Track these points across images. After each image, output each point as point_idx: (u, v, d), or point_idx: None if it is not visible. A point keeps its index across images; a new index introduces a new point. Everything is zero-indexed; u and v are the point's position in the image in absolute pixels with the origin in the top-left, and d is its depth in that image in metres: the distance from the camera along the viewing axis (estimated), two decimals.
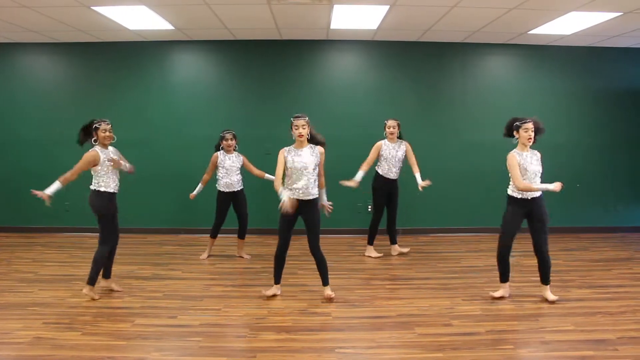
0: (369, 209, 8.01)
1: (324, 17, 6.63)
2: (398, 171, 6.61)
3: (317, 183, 4.92)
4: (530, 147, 4.86)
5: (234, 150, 6.43)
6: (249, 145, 7.50)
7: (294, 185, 4.82)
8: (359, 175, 6.35)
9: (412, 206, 8.04)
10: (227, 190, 6.37)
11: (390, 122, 6.54)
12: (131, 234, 7.94)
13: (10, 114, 8.06)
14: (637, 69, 8.20)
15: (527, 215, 4.89)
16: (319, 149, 4.92)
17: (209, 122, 7.91)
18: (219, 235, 6.55)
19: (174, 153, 8.01)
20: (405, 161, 6.63)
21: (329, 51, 8.09)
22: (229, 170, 6.33)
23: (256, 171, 6.46)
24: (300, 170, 4.78)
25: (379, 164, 6.59)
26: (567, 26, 6.80)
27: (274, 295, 5.10)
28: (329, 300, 4.97)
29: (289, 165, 4.82)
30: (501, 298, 5.02)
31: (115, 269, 6.06)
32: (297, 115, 4.86)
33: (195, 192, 6.40)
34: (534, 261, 4.97)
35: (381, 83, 8.11)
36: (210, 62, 8.16)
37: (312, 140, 4.91)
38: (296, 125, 4.81)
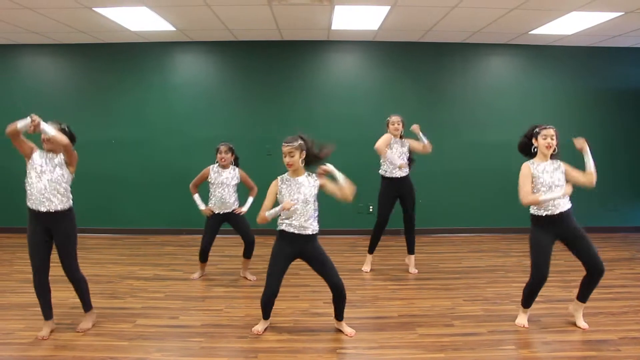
0: (370, 209, 8.02)
1: (325, 18, 6.63)
2: (396, 169, 6.03)
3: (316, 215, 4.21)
4: (552, 158, 4.42)
5: (231, 164, 5.68)
6: (249, 146, 7.53)
7: (290, 221, 4.14)
8: (397, 161, 5.98)
9: None
10: (219, 211, 5.63)
11: (394, 118, 6.05)
12: (132, 235, 7.97)
13: (12, 114, 7.97)
14: (638, 69, 8.19)
15: (560, 236, 4.36)
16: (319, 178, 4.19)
17: (210, 123, 7.92)
18: (218, 236, 5.96)
19: (175, 154, 8.01)
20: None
21: (330, 52, 8.10)
22: (223, 187, 5.59)
23: (251, 188, 5.76)
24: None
25: (381, 164, 6.17)
26: (568, 26, 6.80)
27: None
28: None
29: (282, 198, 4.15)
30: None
31: (117, 269, 6.11)
32: (285, 140, 4.15)
33: (202, 205, 5.67)
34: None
35: (382, 84, 8.12)
36: (211, 63, 8.17)
37: (312, 160, 4.21)
38: (284, 153, 4.12)
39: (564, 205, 4.27)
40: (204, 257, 5.72)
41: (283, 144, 4.11)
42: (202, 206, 5.65)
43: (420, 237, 7.95)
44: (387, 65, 8.12)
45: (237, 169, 5.69)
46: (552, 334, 4.17)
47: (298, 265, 6.21)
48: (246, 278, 5.85)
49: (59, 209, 4.18)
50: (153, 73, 8.07)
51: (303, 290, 5.41)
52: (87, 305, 4.39)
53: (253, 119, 7.99)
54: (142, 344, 4.03)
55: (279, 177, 4.20)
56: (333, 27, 7.13)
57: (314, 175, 4.18)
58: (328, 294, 5.20)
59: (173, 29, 7.10)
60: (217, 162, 5.62)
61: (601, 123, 8.19)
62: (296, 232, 4.10)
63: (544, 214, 4.26)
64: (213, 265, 6.30)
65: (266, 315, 4.32)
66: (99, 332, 4.23)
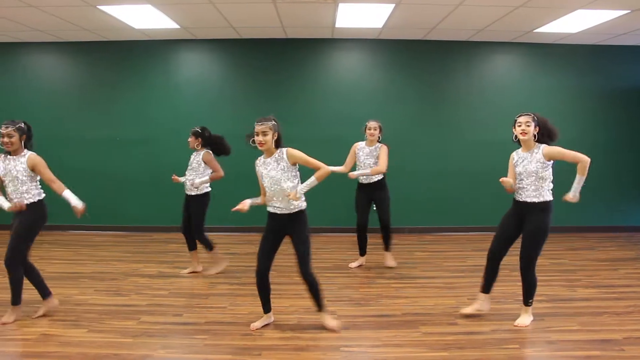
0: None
1: (329, 16, 6.63)
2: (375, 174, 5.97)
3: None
4: (541, 142, 4.29)
5: (203, 148, 5.77)
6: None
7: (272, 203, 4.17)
8: (333, 167, 5.69)
9: (417, 205, 8.04)
10: (186, 192, 5.82)
11: (372, 123, 5.93)
12: (137, 233, 7.99)
13: (16, 112, 7.99)
14: None
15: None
16: (287, 151, 4.12)
17: (214, 120, 7.89)
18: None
19: (179, 152, 7.98)
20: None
21: (334, 50, 8.09)
22: (190, 171, 5.78)
23: (214, 170, 5.74)
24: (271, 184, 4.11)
25: (357, 167, 6.07)
26: (573, 24, 6.78)
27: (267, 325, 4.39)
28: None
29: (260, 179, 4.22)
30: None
31: (122, 267, 6.13)
32: (258, 120, 4.18)
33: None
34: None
35: (386, 82, 8.11)
36: (215, 60, 8.18)
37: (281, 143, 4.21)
38: (256, 132, 4.11)
39: (530, 198, 4.24)
40: (188, 243, 5.92)
41: (256, 123, 4.13)
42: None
43: (424, 235, 7.97)
44: (391, 64, 8.12)
45: (201, 152, 5.74)
46: (556, 333, 4.16)
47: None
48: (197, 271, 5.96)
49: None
50: (157, 71, 8.08)
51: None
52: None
53: (257, 117, 7.94)
54: (146, 341, 4.04)
55: (257, 160, 4.26)
56: (337, 25, 7.13)
57: (284, 154, 4.10)
58: (331, 292, 5.23)
59: (177, 26, 7.11)
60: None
61: (606, 122, 8.18)
62: (279, 212, 4.14)
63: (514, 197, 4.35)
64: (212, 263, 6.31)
65: (265, 305, 4.31)
66: (104, 328, 4.24)
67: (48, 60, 8.18)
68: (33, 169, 4.34)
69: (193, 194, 5.74)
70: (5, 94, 8.10)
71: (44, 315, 4.47)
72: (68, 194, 4.41)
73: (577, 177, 4.23)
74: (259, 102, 8.03)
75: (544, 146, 4.25)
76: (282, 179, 4.07)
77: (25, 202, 4.29)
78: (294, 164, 4.12)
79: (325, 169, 4.09)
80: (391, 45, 8.02)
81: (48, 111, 8.10)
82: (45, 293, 4.52)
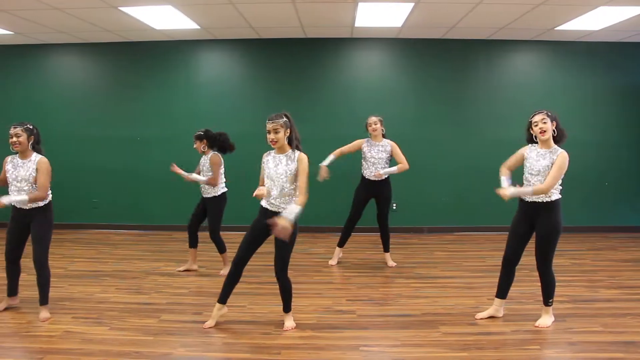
0: (394, 207, 8.00)
1: (349, 15, 6.62)
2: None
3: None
4: (557, 143, 4.19)
5: (206, 150, 5.79)
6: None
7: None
8: (328, 159, 5.91)
9: (437, 205, 8.01)
10: (203, 195, 5.84)
11: (372, 119, 5.96)
12: (158, 232, 8.07)
13: (41, 113, 8.20)
14: None
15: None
16: (299, 156, 4.12)
17: (234, 120, 7.95)
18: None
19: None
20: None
21: (353, 49, 8.08)
22: (203, 173, 5.80)
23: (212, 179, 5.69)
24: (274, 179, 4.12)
25: (362, 163, 6.10)
26: (596, 22, 6.69)
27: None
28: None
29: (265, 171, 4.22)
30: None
31: (142, 265, 6.19)
32: (269, 117, 4.15)
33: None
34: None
35: (405, 81, 8.08)
36: (235, 60, 8.22)
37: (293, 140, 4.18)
38: (268, 130, 4.09)
39: (540, 198, 4.16)
40: (190, 240, 5.96)
41: (267, 120, 4.09)
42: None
43: (444, 235, 7.93)
44: (411, 63, 8.09)
45: (209, 155, 5.74)
46: (578, 334, 4.11)
47: (320, 262, 6.28)
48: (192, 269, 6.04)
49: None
50: (177, 71, 8.15)
51: (326, 287, 5.42)
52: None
53: None
54: (166, 339, 4.07)
55: (266, 153, 4.27)
56: (356, 25, 7.12)
57: (296, 157, 4.10)
58: (351, 292, 5.24)
59: (197, 27, 7.16)
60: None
61: (628, 120, 8.05)
62: (270, 209, 4.14)
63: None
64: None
65: (223, 295, 4.31)
66: (125, 326, 4.29)
67: (70, 62, 8.29)
68: (37, 171, 4.38)
69: (210, 195, 5.75)
70: (29, 95, 8.22)
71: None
72: (17, 197, 4.30)
73: (529, 189, 4.09)
74: (279, 102, 8.01)
75: (562, 152, 4.12)
76: (288, 179, 4.07)
77: (35, 205, 4.36)
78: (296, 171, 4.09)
79: (305, 197, 4.04)
80: (411, 44, 7.99)
81: (70, 111, 8.21)
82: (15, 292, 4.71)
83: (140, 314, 4.58)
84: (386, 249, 6.30)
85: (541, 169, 4.12)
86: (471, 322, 4.40)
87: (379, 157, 5.97)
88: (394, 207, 8.04)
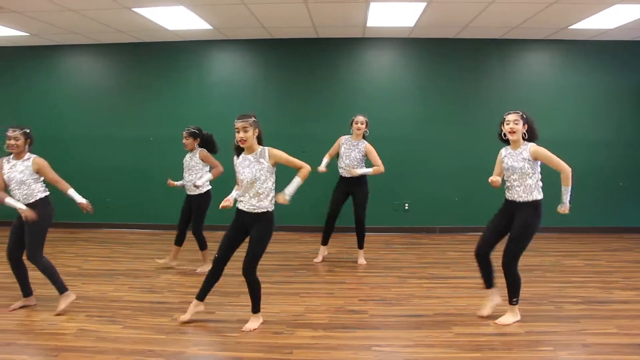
0: (406, 207, 7.99)
1: (361, 15, 6.62)
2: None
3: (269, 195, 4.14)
4: (530, 141, 4.26)
5: (197, 147, 5.91)
6: (285, 143, 7.56)
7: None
8: (323, 162, 6.12)
9: (449, 205, 7.98)
10: (189, 192, 5.96)
11: (359, 118, 6.06)
12: (171, 231, 8.06)
13: (55, 113, 8.29)
14: None
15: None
16: (268, 151, 4.12)
17: None
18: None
19: None
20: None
21: (366, 49, 8.07)
22: (189, 170, 5.93)
23: (214, 166, 5.85)
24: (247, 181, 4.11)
25: (338, 162, 6.20)
26: (610, 20, 6.63)
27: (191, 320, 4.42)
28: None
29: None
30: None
31: (155, 264, 6.20)
32: (238, 116, 4.11)
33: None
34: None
35: (417, 81, 8.06)
36: (247, 61, 8.24)
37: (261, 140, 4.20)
38: (237, 129, 4.05)
39: (519, 196, 4.27)
40: (177, 238, 6.05)
41: (236, 120, 4.07)
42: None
43: (456, 235, 7.90)
44: (423, 63, 8.07)
45: (197, 152, 5.87)
46: (592, 336, 4.08)
47: (333, 262, 6.28)
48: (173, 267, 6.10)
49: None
50: (190, 71, 8.19)
51: (338, 287, 5.42)
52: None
53: (288, 117, 8.02)
54: (179, 337, 4.10)
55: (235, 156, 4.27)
56: (368, 24, 7.11)
57: (266, 153, 4.10)
58: (363, 291, 5.24)
59: (210, 27, 7.18)
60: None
61: None
62: (245, 209, 4.16)
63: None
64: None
65: (202, 292, 4.37)
66: (138, 325, 4.32)
67: (83, 62, 8.36)
68: (38, 172, 4.56)
69: (195, 193, 5.88)
70: (43, 96, 8.30)
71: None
72: (72, 193, 4.67)
73: (563, 188, 4.21)
74: (290, 102, 8.06)
75: (531, 145, 4.23)
76: (259, 178, 4.07)
77: (32, 200, 4.51)
78: (274, 164, 4.13)
79: (307, 167, 4.18)
80: (423, 44, 7.97)
81: (84, 112, 8.28)
82: (27, 292, 4.76)
83: (153, 313, 4.61)
84: (360, 245, 6.34)
85: (516, 168, 4.23)
86: (484, 323, 4.38)
87: (353, 155, 6.05)
88: (406, 208, 8.03)
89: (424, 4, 6.08)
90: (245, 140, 4.04)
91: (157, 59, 8.20)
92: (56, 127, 8.27)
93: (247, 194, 4.12)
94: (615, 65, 7.92)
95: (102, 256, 6.66)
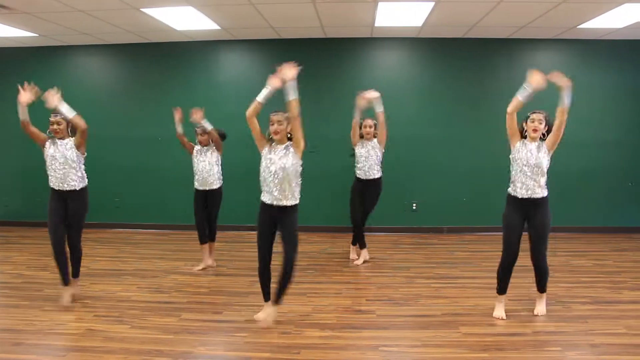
0: (414, 207, 7.97)
1: (369, 15, 6.61)
2: (371, 171, 6.13)
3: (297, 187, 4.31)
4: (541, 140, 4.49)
5: (209, 144, 6.08)
6: None
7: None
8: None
9: (457, 204, 7.95)
10: (202, 187, 6.05)
11: (368, 122, 6.16)
12: (178, 231, 8.12)
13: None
14: None
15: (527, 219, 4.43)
16: (290, 143, 4.36)
17: None
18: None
19: None
20: (383, 161, 6.27)
21: (374, 49, 8.06)
22: (202, 166, 6.03)
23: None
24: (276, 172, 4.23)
25: (354, 165, 6.26)
26: (620, 19, 6.58)
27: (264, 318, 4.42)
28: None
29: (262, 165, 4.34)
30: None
31: (163, 264, 6.25)
32: (274, 111, 4.52)
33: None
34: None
35: (426, 80, 8.04)
36: (255, 60, 8.24)
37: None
38: (272, 121, 4.38)
39: (535, 193, 4.35)
40: (200, 237, 6.09)
41: (272, 114, 4.40)
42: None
43: (464, 235, 7.87)
44: (431, 62, 8.05)
45: (212, 147, 6.11)
46: (600, 336, 4.06)
47: (341, 262, 6.28)
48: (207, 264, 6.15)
49: (76, 188, 4.76)
50: (198, 71, 8.20)
51: (346, 287, 5.42)
52: (76, 273, 4.97)
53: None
54: (187, 337, 4.11)
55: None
56: (376, 24, 7.10)
57: (290, 144, 4.31)
58: (370, 292, 5.23)
59: (218, 27, 7.20)
60: (197, 143, 6.14)
61: None
62: (274, 203, 4.22)
63: (512, 194, 4.47)
64: (256, 262, 6.35)
65: (265, 293, 4.42)
66: (146, 325, 4.33)
67: (92, 63, 8.40)
68: (78, 145, 4.78)
69: (213, 188, 6.03)
70: None
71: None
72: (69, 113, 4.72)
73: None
74: (299, 102, 8.04)
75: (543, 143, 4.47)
76: (289, 168, 4.21)
77: (75, 187, 4.75)
78: (297, 147, 4.28)
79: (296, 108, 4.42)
80: (431, 44, 7.95)
81: (92, 112, 8.22)
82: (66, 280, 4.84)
83: (160, 313, 4.62)
84: (354, 242, 6.49)
85: (539, 163, 4.36)
86: (491, 323, 4.37)
87: (369, 155, 6.13)
88: (414, 207, 8.01)
89: (432, 4, 6.07)
90: (278, 132, 4.29)
91: (165, 60, 8.23)
92: None
93: (273, 186, 4.22)
94: (624, 64, 7.86)
95: (110, 256, 6.69)
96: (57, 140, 4.77)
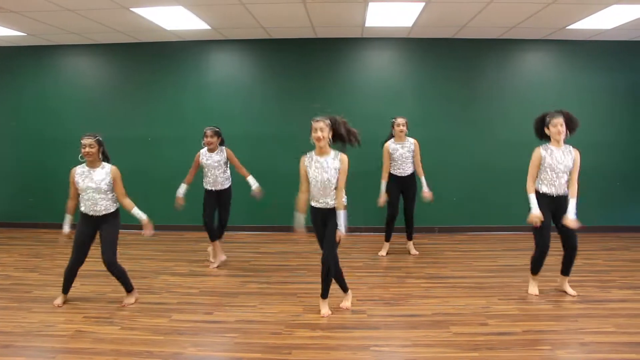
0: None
1: (359, 15, 6.61)
2: (409, 167, 6.54)
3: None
4: (567, 143, 4.85)
5: (218, 147, 6.07)
6: (283, 142, 7.61)
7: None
8: (383, 185, 6.44)
9: (447, 204, 7.97)
10: (213, 188, 6.07)
11: (400, 120, 6.47)
12: (168, 232, 8.07)
13: (52, 113, 8.27)
14: None
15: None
16: (341, 156, 4.47)
17: (245, 120, 7.98)
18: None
19: None
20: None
21: (364, 49, 8.05)
22: (215, 169, 6.02)
23: (241, 170, 6.07)
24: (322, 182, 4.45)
25: (390, 164, 6.55)
26: (608, 20, 6.62)
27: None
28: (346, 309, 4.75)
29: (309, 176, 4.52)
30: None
31: (153, 265, 6.22)
32: (315, 117, 4.45)
33: (181, 194, 6.16)
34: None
35: (416, 80, 8.05)
36: (245, 61, 8.22)
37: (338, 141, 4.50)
38: (314, 128, 4.39)
39: (564, 191, 4.89)
40: (210, 234, 6.14)
41: (313, 120, 4.42)
42: (180, 194, 6.18)
43: (455, 235, 7.89)
44: (422, 62, 8.05)
45: (224, 150, 6.09)
46: (590, 334, 4.09)
47: None
48: (210, 261, 6.27)
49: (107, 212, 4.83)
50: (188, 71, 8.17)
51: (336, 287, 5.37)
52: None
53: (287, 117, 8.00)
54: (177, 338, 4.10)
55: (303, 157, 4.55)
56: (367, 24, 7.10)
57: (339, 156, 4.46)
58: (361, 292, 5.23)
59: (208, 27, 7.17)
60: (204, 147, 6.05)
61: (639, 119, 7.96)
62: (321, 207, 4.52)
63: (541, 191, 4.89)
64: (247, 262, 6.36)
65: (342, 285, 4.79)
66: (136, 326, 4.32)
67: (81, 62, 8.33)
68: (113, 181, 4.78)
69: (224, 188, 6.08)
70: (40, 96, 8.27)
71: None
72: (137, 211, 4.94)
73: (573, 201, 4.86)
74: (289, 102, 8.04)
75: (575, 150, 4.87)
76: (333, 181, 4.45)
77: (112, 209, 4.89)
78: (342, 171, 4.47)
79: (342, 194, 4.50)
80: (421, 44, 7.96)
81: (81, 112, 8.25)
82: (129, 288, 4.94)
83: (151, 314, 4.61)
84: (411, 237, 6.86)
85: (567, 165, 4.79)
86: (482, 323, 4.39)
87: (404, 154, 6.47)
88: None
89: (422, 4, 6.08)
90: (321, 139, 4.36)
91: (155, 59, 8.18)
92: (53, 128, 8.26)
93: (321, 194, 4.49)
94: (613, 65, 7.91)
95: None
96: (85, 169, 4.77)
